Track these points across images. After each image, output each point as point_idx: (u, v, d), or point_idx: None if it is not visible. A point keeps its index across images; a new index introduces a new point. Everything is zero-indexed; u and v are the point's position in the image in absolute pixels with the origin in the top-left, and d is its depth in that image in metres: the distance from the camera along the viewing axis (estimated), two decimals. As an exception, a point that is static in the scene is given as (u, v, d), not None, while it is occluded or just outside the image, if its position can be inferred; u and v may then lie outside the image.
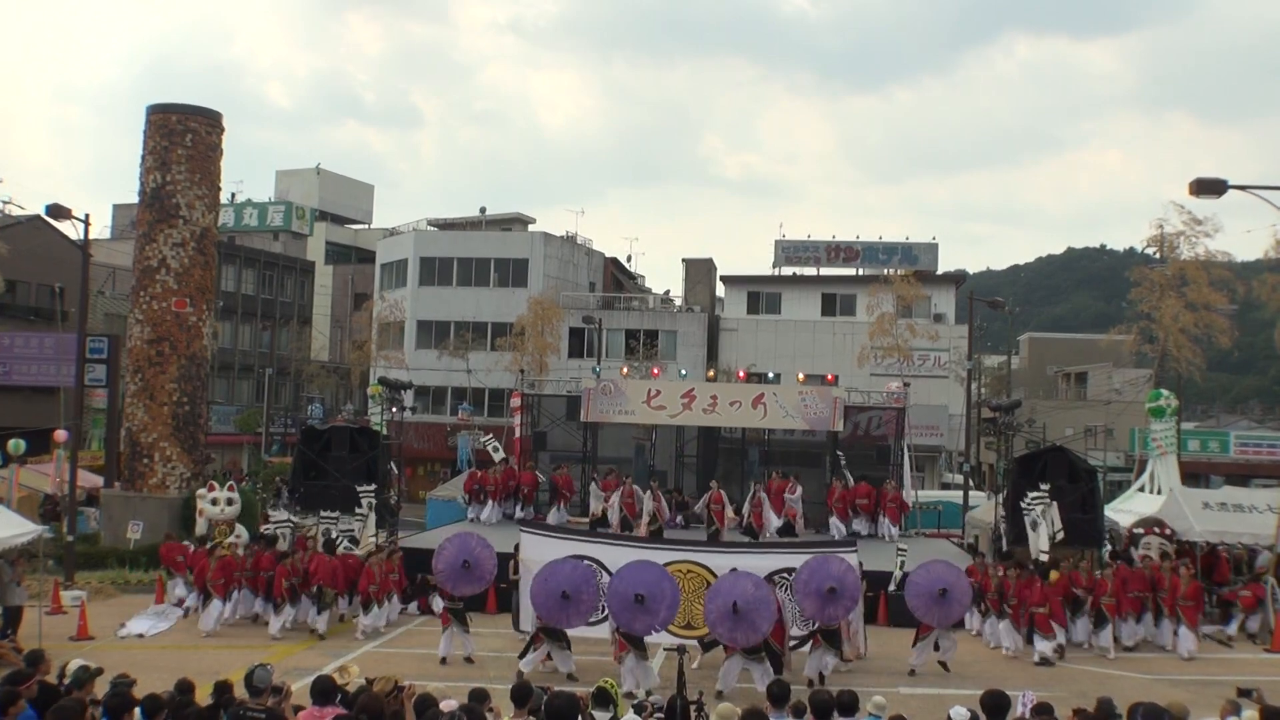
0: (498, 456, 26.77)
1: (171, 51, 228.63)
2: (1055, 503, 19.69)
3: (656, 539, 20.33)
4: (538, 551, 16.44)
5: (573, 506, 26.16)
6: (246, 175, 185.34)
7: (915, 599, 15.61)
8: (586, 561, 16.04)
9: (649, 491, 23.98)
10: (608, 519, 24.00)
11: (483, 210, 58.69)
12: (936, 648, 15.87)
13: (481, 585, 16.46)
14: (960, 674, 15.62)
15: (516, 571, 16.75)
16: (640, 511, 23.77)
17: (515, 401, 29.74)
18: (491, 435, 28.27)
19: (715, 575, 15.74)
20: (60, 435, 28.01)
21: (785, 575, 15.73)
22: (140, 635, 17.43)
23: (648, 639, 15.02)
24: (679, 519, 25.58)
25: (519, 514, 25.17)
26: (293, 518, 21.25)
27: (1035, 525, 19.58)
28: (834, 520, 24.58)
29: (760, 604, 13.79)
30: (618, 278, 58.07)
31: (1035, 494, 19.71)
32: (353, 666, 10.15)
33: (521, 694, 8.46)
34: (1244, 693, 9.47)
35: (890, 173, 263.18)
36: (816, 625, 15.06)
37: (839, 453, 26.70)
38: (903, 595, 18.62)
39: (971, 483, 31.23)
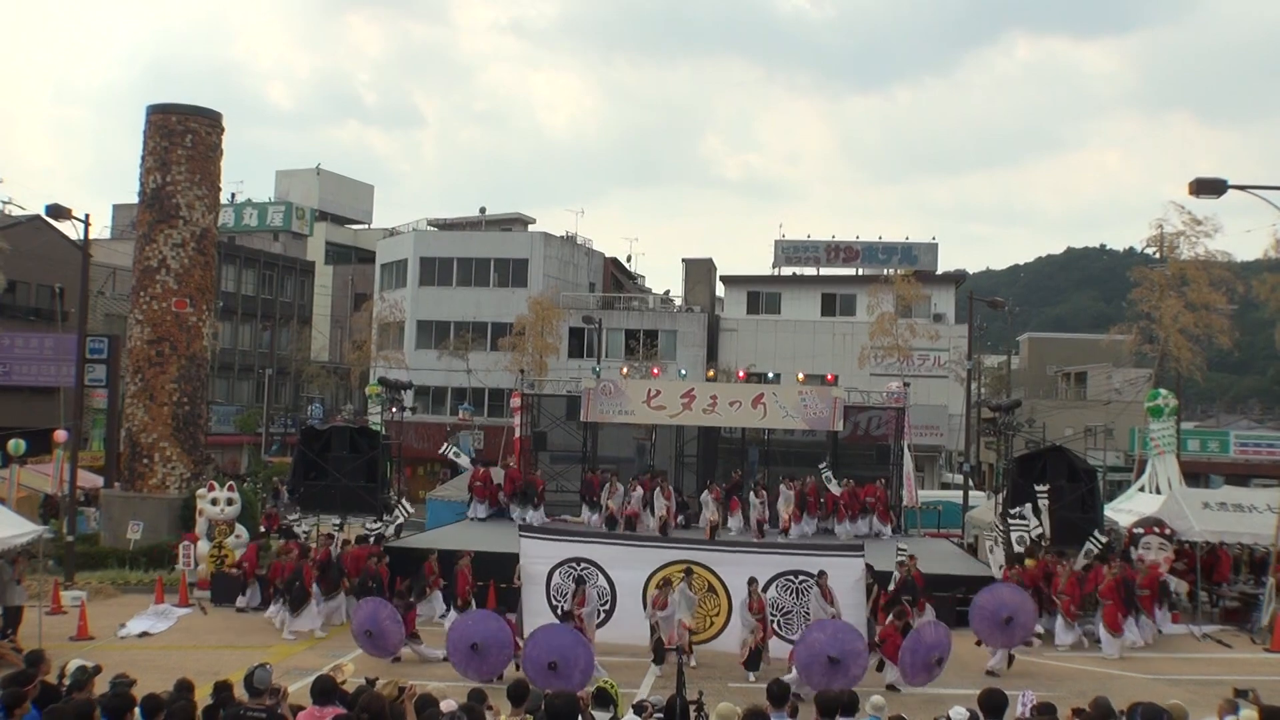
0: (462, 462, 26.48)
1: (171, 51, 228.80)
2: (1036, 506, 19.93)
3: (657, 538, 20.35)
4: (536, 554, 16.46)
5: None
6: (247, 175, 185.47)
7: (980, 623, 15.63)
8: (583, 564, 16.08)
9: (657, 489, 24.00)
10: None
11: (483, 210, 58.71)
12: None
13: (385, 655, 15.49)
14: (960, 674, 15.61)
15: (519, 577, 16.75)
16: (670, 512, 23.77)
17: (515, 401, 29.76)
18: (456, 436, 27.65)
19: (716, 575, 15.78)
20: (60, 435, 28.02)
21: (791, 578, 15.75)
22: (140, 635, 17.44)
23: (637, 637, 15.12)
24: (680, 518, 25.62)
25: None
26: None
27: (991, 550, 19.88)
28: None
29: (855, 655, 13.53)
30: (618, 278, 58.04)
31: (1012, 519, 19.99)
32: (348, 665, 10.17)
33: (518, 693, 8.47)
34: (1240, 693, 9.47)
35: (890, 173, 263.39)
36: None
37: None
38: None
39: (971, 483, 31.25)
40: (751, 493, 25.21)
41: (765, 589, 15.54)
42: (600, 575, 15.99)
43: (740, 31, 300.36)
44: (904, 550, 18.79)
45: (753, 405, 26.01)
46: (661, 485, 24.38)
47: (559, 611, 15.59)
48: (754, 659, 15.00)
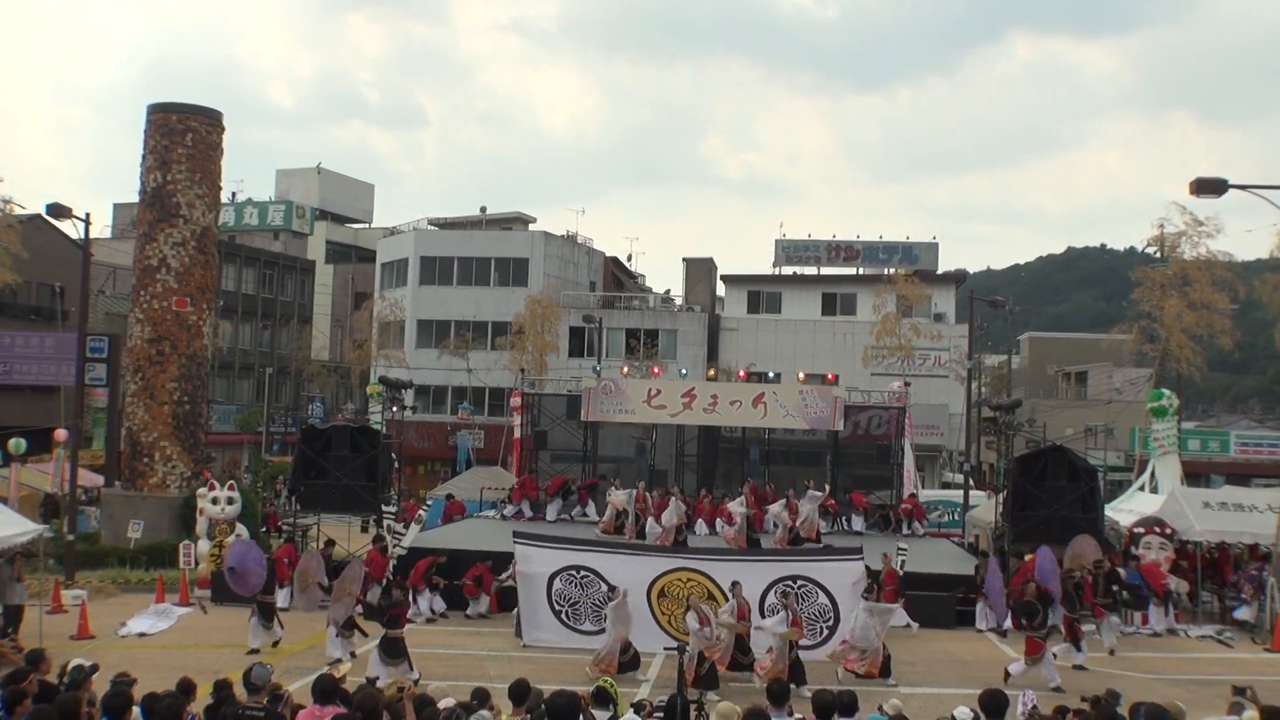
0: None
1: (171, 51, 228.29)
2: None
3: (656, 546, 20.25)
4: (531, 563, 16.45)
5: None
6: (247, 175, 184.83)
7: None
8: (583, 572, 16.07)
9: (671, 499, 22.87)
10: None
11: (483, 209, 58.68)
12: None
13: (246, 593, 16.79)
14: (961, 674, 15.62)
15: (514, 579, 16.75)
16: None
17: (515, 401, 29.74)
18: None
19: (716, 583, 15.73)
20: (61, 434, 28.03)
21: (790, 583, 15.70)
22: (141, 634, 17.44)
23: (645, 644, 14.99)
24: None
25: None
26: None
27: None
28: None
29: None
30: (618, 277, 58.05)
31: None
32: (345, 665, 10.17)
33: (519, 693, 8.46)
34: (1239, 690, 9.48)
35: (890, 173, 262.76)
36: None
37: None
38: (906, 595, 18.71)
39: (972, 482, 31.23)
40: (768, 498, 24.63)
41: (764, 595, 15.46)
42: (603, 584, 15.94)
43: (740, 31, 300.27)
44: (904, 550, 18.82)
45: (753, 405, 26.00)
46: (675, 496, 23.39)
47: (563, 617, 15.59)
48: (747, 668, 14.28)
